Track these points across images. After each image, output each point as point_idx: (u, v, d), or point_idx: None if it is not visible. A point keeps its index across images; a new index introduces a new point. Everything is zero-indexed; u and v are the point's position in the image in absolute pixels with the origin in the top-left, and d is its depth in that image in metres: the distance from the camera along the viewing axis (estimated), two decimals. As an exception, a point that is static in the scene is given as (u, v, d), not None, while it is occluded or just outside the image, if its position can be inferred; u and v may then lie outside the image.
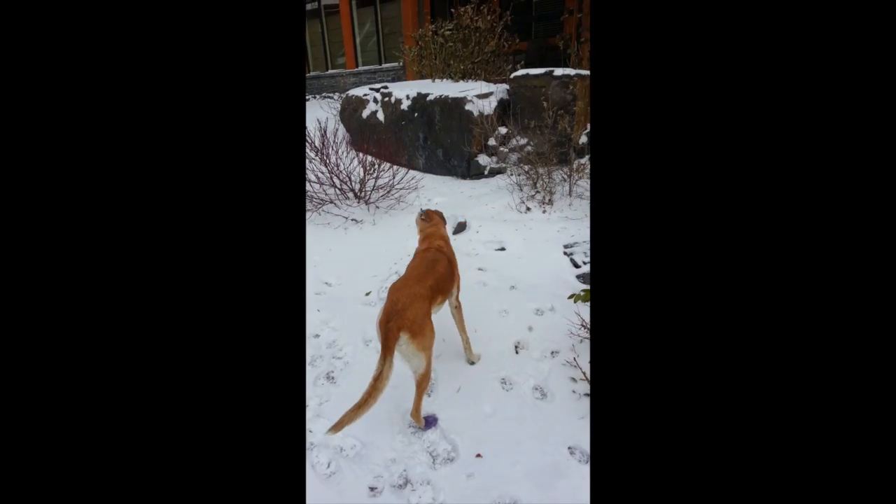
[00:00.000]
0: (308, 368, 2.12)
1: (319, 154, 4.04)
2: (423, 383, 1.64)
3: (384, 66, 9.12)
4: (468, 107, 4.48)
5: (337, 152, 4.10)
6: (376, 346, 2.21)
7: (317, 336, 2.36)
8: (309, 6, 10.08)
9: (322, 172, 4.00)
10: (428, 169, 5.00)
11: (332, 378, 2.05)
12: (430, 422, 1.75)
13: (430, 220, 2.27)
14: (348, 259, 3.18)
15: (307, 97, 10.10)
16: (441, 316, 2.40)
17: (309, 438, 1.70)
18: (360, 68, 9.52)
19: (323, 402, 1.90)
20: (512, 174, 4.12)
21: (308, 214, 3.90)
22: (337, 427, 1.38)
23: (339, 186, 4.02)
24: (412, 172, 4.46)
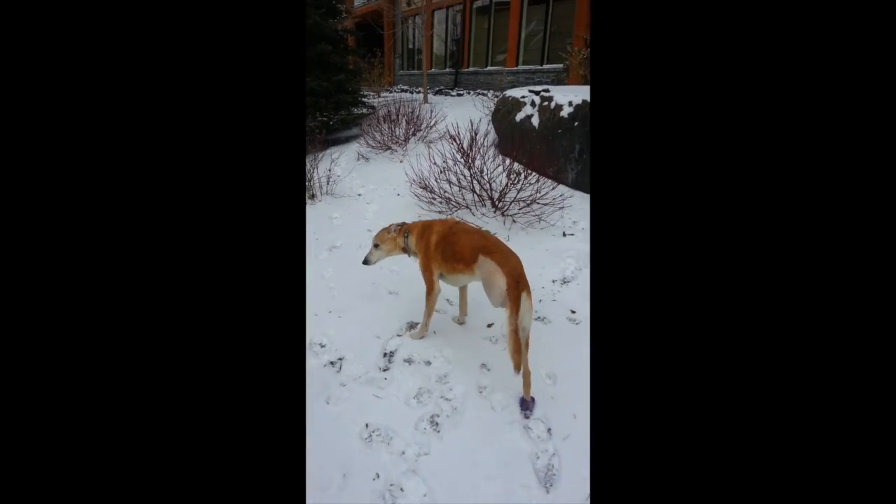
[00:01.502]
0: (412, 402, 1.90)
1: (466, 157, 3.84)
2: (528, 339, 1.83)
3: (545, 66, 8.66)
4: (641, 121, 3.82)
5: (483, 156, 3.86)
6: (489, 396, 1.89)
7: (428, 363, 2.12)
8: (480, 3, 10.10)
9: (463, 175, 3.80)
10: (577, 185, 4.45)
11: (437, 424, 1.79)
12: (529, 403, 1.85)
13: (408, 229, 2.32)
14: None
15: (461, 92, 10.20)
16: (566, 341, 1.91)
17: (399, 501, 1.46)
18: (520, 67, 9.21)
19: (421, 454, 1.64)
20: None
21: (441, 217, 3.74)
22: (522, 373, 1.76)
23: (478, 192, 3.78)
24: (560, 188, 3.99)
